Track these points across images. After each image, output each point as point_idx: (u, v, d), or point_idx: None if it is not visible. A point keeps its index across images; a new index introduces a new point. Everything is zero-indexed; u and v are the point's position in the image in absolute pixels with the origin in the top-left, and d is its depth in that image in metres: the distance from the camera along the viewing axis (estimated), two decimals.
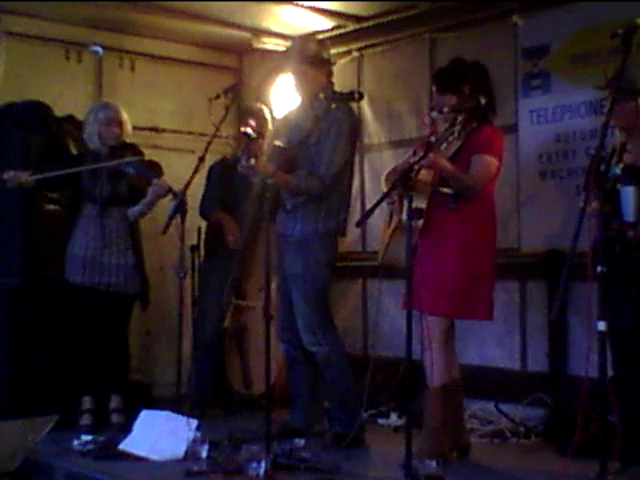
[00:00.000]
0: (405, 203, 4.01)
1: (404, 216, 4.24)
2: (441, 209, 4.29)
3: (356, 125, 4.92)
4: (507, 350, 5.57)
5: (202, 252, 5.62)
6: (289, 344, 4.89)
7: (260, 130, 5.56)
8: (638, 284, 3.96)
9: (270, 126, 5.80)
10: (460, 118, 4.25)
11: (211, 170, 5.88)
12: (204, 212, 5.84)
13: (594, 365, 3.55)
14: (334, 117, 4.61)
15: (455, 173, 4.24)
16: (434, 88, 4.57)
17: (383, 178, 4.59)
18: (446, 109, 4.28)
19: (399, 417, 5.34)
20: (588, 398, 3.49)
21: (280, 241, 4.79)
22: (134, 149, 5.29)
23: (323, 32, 6.09)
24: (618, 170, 3.84)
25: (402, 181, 3.87)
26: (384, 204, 4.20)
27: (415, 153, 4.33)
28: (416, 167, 4.03)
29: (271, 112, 5.97)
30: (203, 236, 5.77)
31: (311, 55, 4.75)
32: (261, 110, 5.85)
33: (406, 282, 3.79)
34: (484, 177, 4.35)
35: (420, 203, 4.16)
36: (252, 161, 4.44)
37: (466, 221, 4.31)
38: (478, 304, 4.34)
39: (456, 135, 4.23)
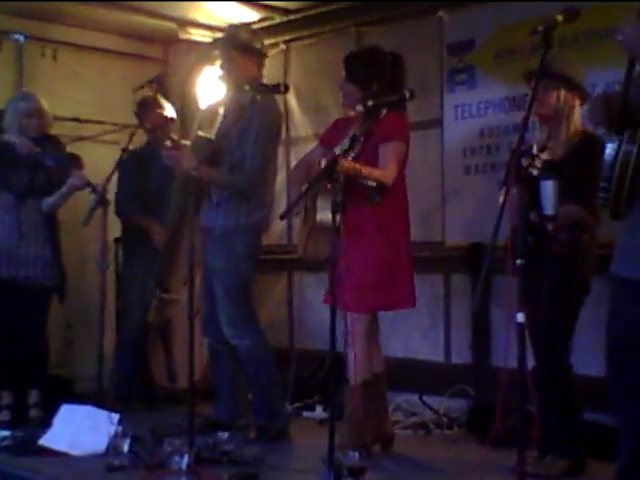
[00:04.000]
0: (320, 199, 3.99)
1: (318, 215, 4.24)
2: (355, 203, 4.15)
3: (280, 118, 4.88)
4: (431, 342, 5.62)
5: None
6: (212, 337, 4.87)
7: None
8: (551, 275, 4.02)
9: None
10: (384, 112, 4.26)
11: (122, 165, 5.44)
12: (121, 213, 5.63)
13: (515, 356, 3.59)
14: (258, 110, 4.56)
15: (364, 174, 4.12)
16: (343, 72, 4.44)
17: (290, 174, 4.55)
18: (370, 102, 4.22)
19: (324, 410, 5.34)
20: (509, 389, 3.53)
21: (204, 234, 4.75)
22: (54, 140, 5.22)
23: (250, 24, 6.05)
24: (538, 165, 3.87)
25: (327, 174, 3.86)
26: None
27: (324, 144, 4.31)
28: (342, 160, 4.01)
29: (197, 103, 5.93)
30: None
31: (242, 43, 4.70)
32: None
33: (329, 277, 3.78)
34: (395, 164, 4.25)
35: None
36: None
37: (380, 214, 4.26)
38: (401, 293, 4.35)
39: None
